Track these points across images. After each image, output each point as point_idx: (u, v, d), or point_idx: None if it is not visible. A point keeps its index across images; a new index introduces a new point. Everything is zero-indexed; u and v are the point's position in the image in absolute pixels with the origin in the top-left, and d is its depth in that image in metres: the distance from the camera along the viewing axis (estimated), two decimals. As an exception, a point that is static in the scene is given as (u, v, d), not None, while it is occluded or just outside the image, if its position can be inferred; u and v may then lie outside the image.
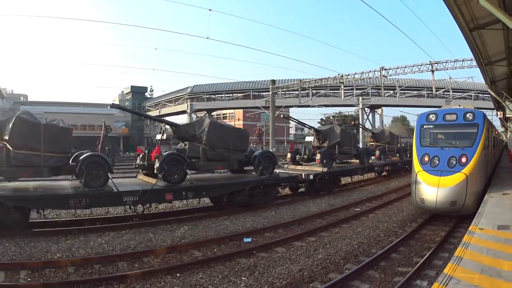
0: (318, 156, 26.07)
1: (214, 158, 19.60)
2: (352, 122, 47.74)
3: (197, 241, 13.67)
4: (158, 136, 23.22)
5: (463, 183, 15.04)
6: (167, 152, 18.28)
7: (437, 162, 16.08)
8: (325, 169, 25.06)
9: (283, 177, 22.38)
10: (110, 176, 16.09)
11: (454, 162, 15.72)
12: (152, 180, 17.96)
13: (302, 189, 24.97)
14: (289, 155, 28.17)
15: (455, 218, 16.02)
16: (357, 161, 30.90)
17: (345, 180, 30.02)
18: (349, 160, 30.90)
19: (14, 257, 11.45)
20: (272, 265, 11.15)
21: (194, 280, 9.94)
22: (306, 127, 33.23)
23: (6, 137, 14.67)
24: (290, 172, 24.11)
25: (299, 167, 26.69)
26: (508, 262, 7.84)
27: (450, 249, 12.21)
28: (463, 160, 15.61)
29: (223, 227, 15.80)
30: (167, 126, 21.32)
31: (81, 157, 15.75)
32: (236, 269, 10.82)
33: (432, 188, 15.39)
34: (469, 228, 10.81)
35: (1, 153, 14.44)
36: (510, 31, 12.89)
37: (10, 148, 14.60)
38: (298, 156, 28.74)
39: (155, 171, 17.27)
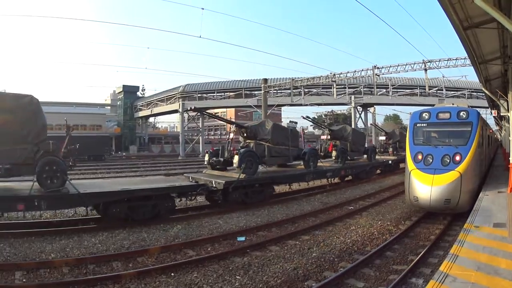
0: (390, 149, 40.95)
1: (356, 150, 32.83)
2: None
3: (191, 240, 13.65)
4: (323, 137, 39.42)
5: (457, 181, 15.01)
6: (340, 147, 29.92)
7: (431, 160, 16.06)
8: (395, 157, 38.62)
9: (379, 162, 35.69)
10: (320, 161, 27.53)
11: (448, 160, 15.70)
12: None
13: (378, 171, 35.86)
14: None
15: (449, 216, 16.05)
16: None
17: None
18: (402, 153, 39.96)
19: (9, 258, 11.42)
20: (267, 264, 11.13)
21: (188, 279, 9.91)
22: (379, 129, 52.23)
23: (267, 137, 22.76)
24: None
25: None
26: (506, 260, 7.83)
27: (445, 247, 12.22)
28: (457, 158, 15.59)
29: (216, 226, 15.78)
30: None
31: (305, 150, 26.57)
32: (230, 268, 10.80)
33: (426, 186, 15.37)
34: (464, 226, 10.82)
35: (261, 148, 22.36)
36: (505, 30, 12.85)
37: (270, 145, 22.85)
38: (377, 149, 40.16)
39: (333, 158, 29.10)
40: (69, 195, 14.67)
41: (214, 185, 18.81)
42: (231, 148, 22.74)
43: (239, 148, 22.48)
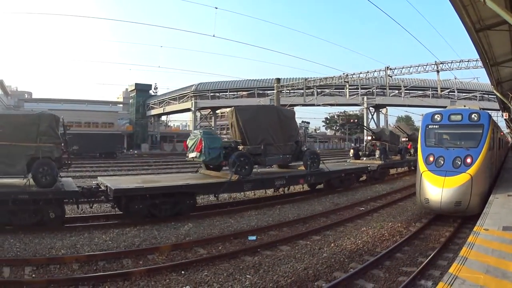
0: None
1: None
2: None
3: (202, 238, 13.71)
4: (404, 139, 44.39)
5: (468, 184, 14.99)
6: (415, 146, 37.45)
7: (442, 162, 16.01)
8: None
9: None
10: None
11: (459, 163, 15.65)
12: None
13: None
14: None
15: (459, 218, 16.02)
16: None
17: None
18: None
19: (19, 253, 11.50)
20: (277, 263, 11.17)
21: (199, 278, 9.96)
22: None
23: (387, 139, 35.66)
24: None
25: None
26: (514, 263, 7.83)
27: (455, 250, 12.21)
28: (468, 160, 15.54)
29: (227, 225, 15.83)
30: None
31: (400, 147, 38.25)
32: (241, 267, 10.85)
33: (437, 189, 15.34)
34: (474, 229, 10.79)
35: (384, 146, 34.27)
36: (517, 32, 12.87)
37: (389, 144, 35.18)
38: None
39: (411, 154, 40.15)
40: (326, 172, 24.18)
41: (369, 168, 30.12)
42: (373, 146, 36.34)
43: (363, 146, 40.05)
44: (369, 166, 30.34)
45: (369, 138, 37.97)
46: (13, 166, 14.35)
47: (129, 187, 15.80)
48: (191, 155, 20.50)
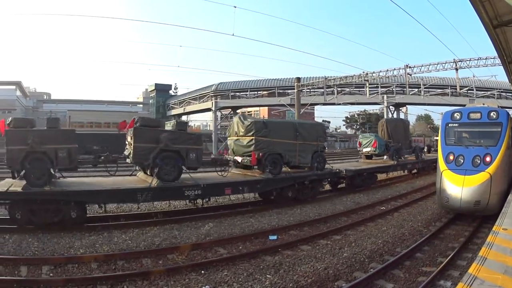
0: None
1: None
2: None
3: (222, 238, 13.78)
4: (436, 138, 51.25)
5: (487, 183, 14.92)
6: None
7: (462, 161, 15.95)
8: None
9: None
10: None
11: (479, 161, 15.58)
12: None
13: None
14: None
15: (478, 218, 15.94)
16: None
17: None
18: None
19: (36, 252, 11.59)
20: (297, 263, 11.20)
21: (219, 277, 10.03)
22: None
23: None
24: None
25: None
26: (532, 263, 7.80)
27: (474, 249, 12.19)
28: (487, 159, 15.46)
29: (248, 224, 15.89)
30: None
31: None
32: (261, 267, 10.89)
33: (456, 187, 15.30)
34: (493, 228, 10.69)
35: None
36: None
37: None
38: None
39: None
40: (425, 160, 37.55)
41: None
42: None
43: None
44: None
45: (436, 138, 46.82)
46: (305, 158, 21.69)
47: (357, 168, 26.54)
48: (366, 149, 33.07)
